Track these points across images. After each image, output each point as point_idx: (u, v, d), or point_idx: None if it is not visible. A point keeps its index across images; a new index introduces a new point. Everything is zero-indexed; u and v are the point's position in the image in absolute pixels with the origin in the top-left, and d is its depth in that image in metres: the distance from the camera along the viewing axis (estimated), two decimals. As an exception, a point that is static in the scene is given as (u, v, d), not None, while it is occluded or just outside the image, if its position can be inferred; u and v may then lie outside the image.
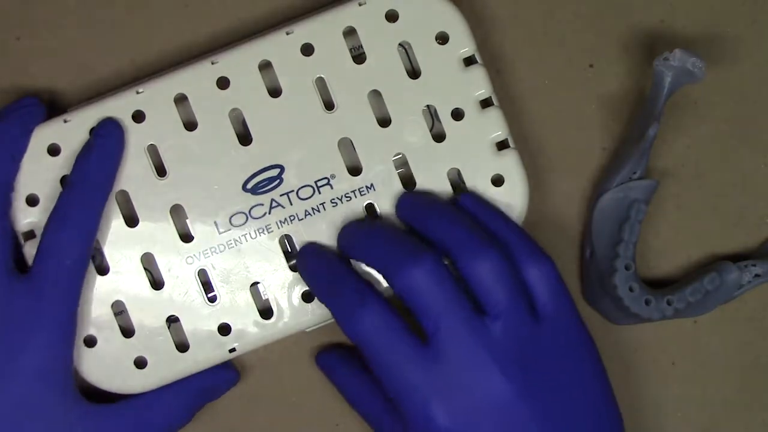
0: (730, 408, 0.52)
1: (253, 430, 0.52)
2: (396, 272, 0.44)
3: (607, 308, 0.51)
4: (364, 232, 0.47)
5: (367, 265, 0.47)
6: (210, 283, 0.48)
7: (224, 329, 0.48)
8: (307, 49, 0.48)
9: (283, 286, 0.48)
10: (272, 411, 0.52)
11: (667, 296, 0.51)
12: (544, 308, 0.45)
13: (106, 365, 0.48)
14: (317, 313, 0.48)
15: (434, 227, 0.46)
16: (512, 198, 0.48)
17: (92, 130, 0.48)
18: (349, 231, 0.48)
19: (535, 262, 0.46)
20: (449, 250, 0.45)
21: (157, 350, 0.48)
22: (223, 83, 0.48)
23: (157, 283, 0.48)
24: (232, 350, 0.48)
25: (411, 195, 0.48)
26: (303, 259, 0.48)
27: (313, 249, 0.48)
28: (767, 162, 0.53)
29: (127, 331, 0.48)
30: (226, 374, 0.50)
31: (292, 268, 0.48)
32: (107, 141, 0.47)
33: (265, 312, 0.48)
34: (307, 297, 0.48)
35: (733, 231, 0.53)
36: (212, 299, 0.48)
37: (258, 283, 0.48)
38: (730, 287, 0.51)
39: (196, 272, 0.48)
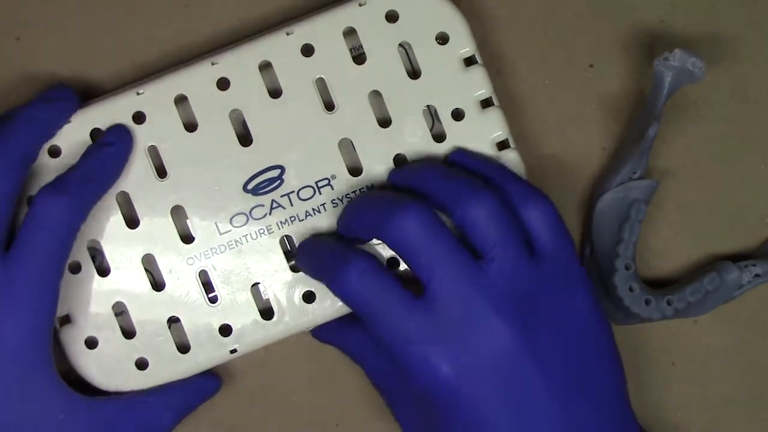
0: (730, 408, 0.52)
1: (253, 429, 0.52)
2: (384, 227, 0.44)
3: (607, 308, 0.51)
4: (352, 202, 0.47)
5: (360, 233, 0.46)
6: (210, 283, 0.48)
7: (225, 330, 0.48)
8: (307, 50, 0.48)
9: (284, 287, 0.48)
10: (272, 411, 0.52)
11: (667, 296, 0.51)
12: (543, 247, 0.44)
13: (107, 366, 0.48)
14: (318, 313, 0.48)
15: (425, 183, 0.46)
16: None
17: (94, 132, 0.48)
18: (342, 209, 0.48)
19: (533, 203, 0.45)
20: (443, 204, 0.44)
21: (158, 351, 0.48)
22: (223, 84, 0.48)
23: (157, 284, 0.48)
24: (233, 351, 0.48)
25: (400, 166, 0.48)
26: (299, 250, 0.48)
27: (307, 239, 0.48)
28: (767, 162, 0.53)
29: (128, 332, 0.48)
30: (206, 383, 0.50)
31: (293, 269, 0.48)
32: (119, 147, 0.47)
33: (266, 312, 0.48)
34: (308, 297, 0.48)
35: (733, 231, 0.53)
36: (213, 300, 0.48)
37: (258, 283, 0.48)
38: (730, 287, 0.51)
39: (197, 273, 0.48)
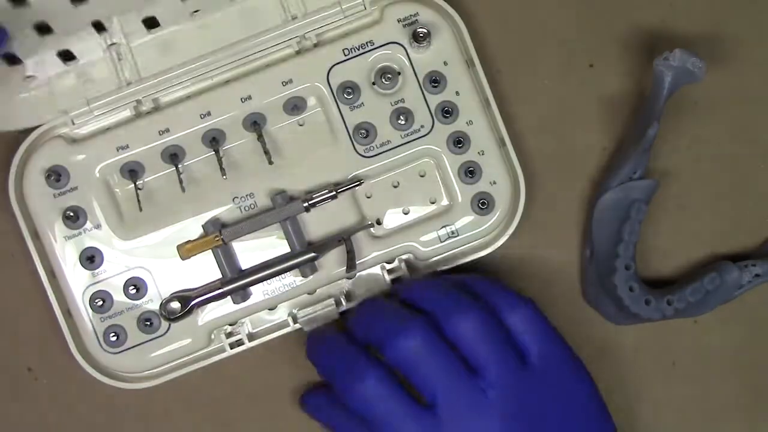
0: (730, 408, 0.52)
1: (253, 429, 0.52)
2: (386, 345, 0.45)
3: (607, 308, 0.51)
4: (360, 309, 0.49)
5: (367, 342, 0.47)
6: None
7: None
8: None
9: None
10: (272, 411, 0.52)
11: (667, 296, 0.51)
12: (531, 355, 0.46)
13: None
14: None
15: (421, 300, 0.47)
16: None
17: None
18: (353, 311, 0.49)
19: (513, 308, 0.46)
20: (435, 317, 0.46)
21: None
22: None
23: None
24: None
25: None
26: (309, 342, 0.49)
27: (316, 334, 0.49)
28: (767, 162, 0.53)
29: None
30: None
31: None
32: None
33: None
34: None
35: (733, 231, 0.53)
36: None
37: None
38: (730, 287, 0.51)
39: None
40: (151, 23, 0.50)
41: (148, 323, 0.50)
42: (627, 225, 0.50)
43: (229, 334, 0.51)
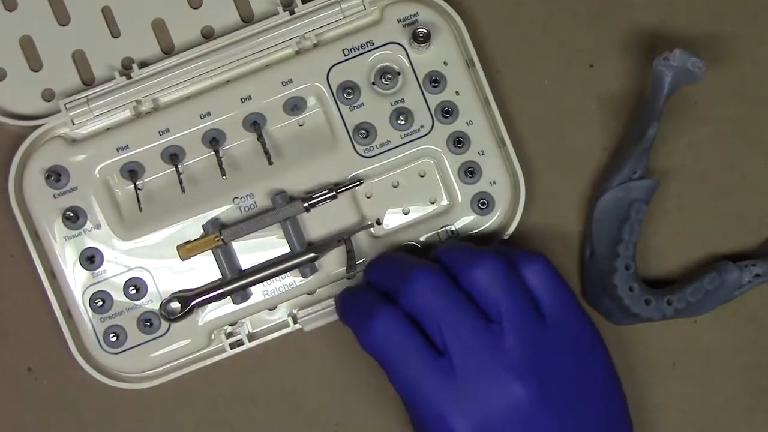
0: (731, 408, 0.52)
1: (253, 429, 0.52)
2: (400, 291, 0.45)
3: (607, 308, 0.51)
4: (377, 259, 0.48)
5: (384, 289, 0.47)
6: None
7: None
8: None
9: None
10: (272, 411, 0.52)
11: (667, 296, 0.51)
12: (546, 307, 0.46)
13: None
14: None
15: (437, 252, 0.47)
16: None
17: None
18: (370, 261, 0.49)
19: (527, 262, 0.46)
20: (451, 269, 0.46)
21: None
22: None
23: None
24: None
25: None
26: (339, 304, 0.49)
27: (346, 293, 0.49)
28: (767, 162, 0.53)
29: None
30: None
31: None
32: None
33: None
34: None
35: (733, 231, 0.53)
36: None
37: None
38: (730, 287, 0.51)
39: None
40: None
41: (148, 323, 0.50)
42: (627, 225, 0.50)
43: (229, 335, 0.51)
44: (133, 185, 0.50)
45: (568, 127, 0.52)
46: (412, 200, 0.51)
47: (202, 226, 0.50)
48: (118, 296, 0.50)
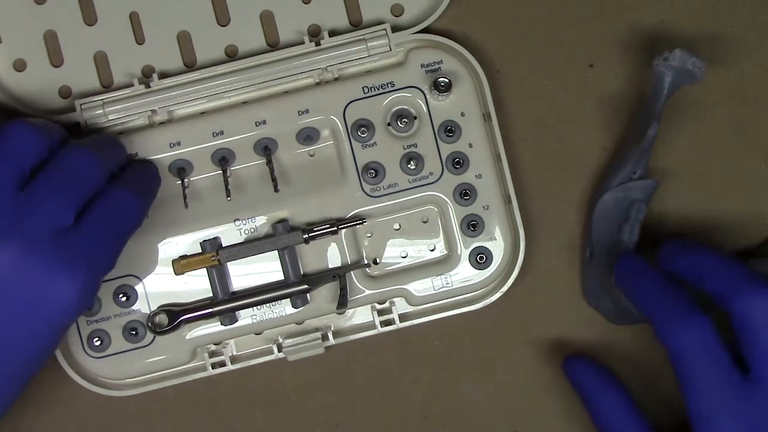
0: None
1: (253, 430, 0.52)
2: (734, 298, 0.44)
3: (607, 308, 0.51)
4: (692, 246, 0.48)
5: (692, 280, 0.46)
6: None
7: None
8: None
9: None
10: (272, 411, 0.52)
11: (667, 296, 0.51)
12: None
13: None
14: None
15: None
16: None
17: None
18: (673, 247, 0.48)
19: None
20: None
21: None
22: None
23: None
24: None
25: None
26: (624, 273, 0.48)
27: (631, 263, 0.48)
28: (767, 162, 0.53)
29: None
30: None
31: None
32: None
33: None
34: None
35: (733, 231, 0.53)
36: None
37: None
38: (730, 287, 0.51)
39: None
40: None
41: (134, 332, 0.50)
42: (627, 225, 0.50)
43: (212, 353, 0.50)
44: None
45: (568, 127, 0.52)
46: (411, 245, 0.51)
47: (200, 243, 0.50)
48: (108, 302, 0.50)
